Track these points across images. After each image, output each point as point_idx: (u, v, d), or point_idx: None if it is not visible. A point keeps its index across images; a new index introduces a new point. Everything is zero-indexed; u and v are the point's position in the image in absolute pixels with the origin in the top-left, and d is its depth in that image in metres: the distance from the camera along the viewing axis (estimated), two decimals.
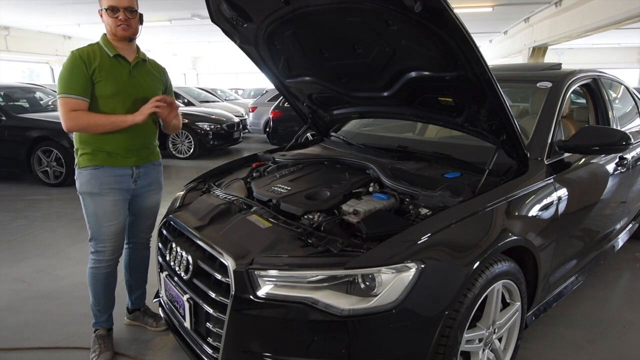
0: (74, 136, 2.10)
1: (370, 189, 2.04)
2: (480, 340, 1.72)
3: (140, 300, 2.46)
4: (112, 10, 1.96)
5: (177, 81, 23.35)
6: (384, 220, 1.69)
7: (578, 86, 2.52)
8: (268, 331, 1.49)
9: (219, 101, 11.93)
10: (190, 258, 1.73)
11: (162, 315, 2.16)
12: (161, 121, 2.28)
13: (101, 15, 2.02)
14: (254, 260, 1.52)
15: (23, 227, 4.20)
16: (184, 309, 1.77)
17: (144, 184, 2.21)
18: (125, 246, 2.32)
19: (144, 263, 2.42)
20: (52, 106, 6.70)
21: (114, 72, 2.02)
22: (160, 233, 2.08)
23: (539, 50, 12.46)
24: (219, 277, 1.58)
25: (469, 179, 1.91)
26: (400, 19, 1.58)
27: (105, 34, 2.07)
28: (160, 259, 2.05)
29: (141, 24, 2.11)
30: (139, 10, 2.07)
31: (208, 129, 8.12)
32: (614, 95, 3.25)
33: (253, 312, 1.47)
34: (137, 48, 2.15)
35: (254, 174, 2.45)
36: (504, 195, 1.77)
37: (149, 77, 2.15)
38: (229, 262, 1.54)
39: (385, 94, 2.17)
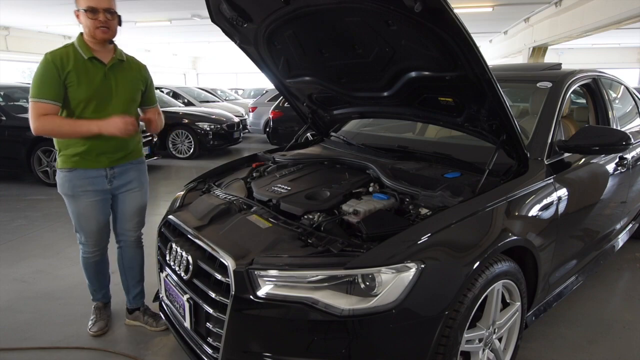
0: (54, 138, 2.11)
1: (370, 189, 2.04)
2: (480, 340, 1.72)
3: (138, 300, 2.46)
4: (92, 11, 1.94)
5: (177, 81, 23.37)
6: (384, 220, 1.69)
7: (578, 86, 2.52)
8: (268, 331, 1.49)
9: (219, 101, 11.95)
10: (190, 258, 1.73)
11: (161, 315, 2.16)
12: (143, 124, 2.28)
13: (77, 16, 1.99)
14: (254, 260, 1.52)
15: (23, 227, 4.20)
16: (184, 309, 1.77)
17: (121, 184, 2.22)
18: (116, 245, 2.37)
19: (138, 261, 2.42)
20: None
21: (87, 75, 1.99)
22: (160, 233, 2.08)
23: (539, 50, 12.47)
24: (219, 277, 1.58)
25: (469, 179, 1.91)
26: (400, 19, 1.58)
27: (81, 34, 2.04)
28: (160, 259, 2.05)
29: (119, 25, 2.08)
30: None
31: (208, 129, 8.12)
32: (614, 95, 3.25)
33: (253, 312, 1.47)
34: (115, 47, 2.13)
35: (254, 174, 2.45)
36: (504, 195, 1.77)
37: (126, 77, 2.13)
38: (228, 262, 1.54)
39: (386, 94, 2.17)
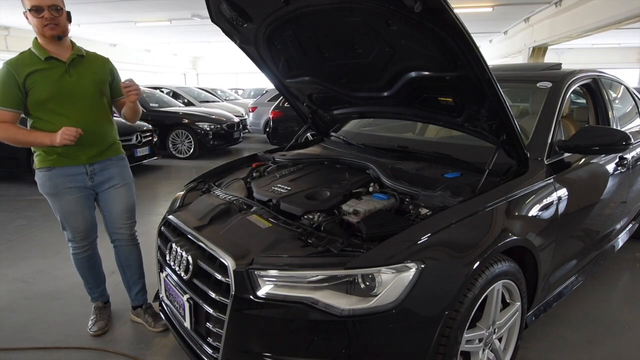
0: None
1: (370, 189, 2.04)
2: (480, 340, 1.72)
3: (140, 297, 2.47)
4: (36, 10, 1.93)
5: (177, 81, 23.37)
6: (384, 220, 1.69)
7: (578, 86, 2.52)
8: (268, 331, 1.49)
9: (219, 101, 11.94)
10: (190, 258, 1.72)
11: (162, 316, 2.16)
12: (120, 111, 2.27)
13: (27, 18, 1.98)
14: (254, 260, 1.52)
15: (23, 227, 4.20)
16: (183, 309, 1.77)
17: (102, 180, 2.22)
18: (112, 244, 2.37)
19: (135, 259, 2.42)
20: None
21: (46, 76, 1.99)
22: (160, 233, 2.08)
23: (539, 50, 12.46)
24: (219, 277, 1.58)
25: (469, 179, 1.91)
26: (400, 19, 1.58)
27: (36, 38, 2.04)
28: (160, 259, 2.05)
29: (70, 21, 2.06)
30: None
31: (208, 129, 8.12)
32: (614, 95, 3.25)
33: (253, 312, 1.47)
34: (72, 44, 2.12)
35: (254, 174, 2.45)
36: (504, 195, 1.77)
37: (88, 72, 2.12)
38: (229, 262, 1.54)
39: (386, 94, 2.17)
